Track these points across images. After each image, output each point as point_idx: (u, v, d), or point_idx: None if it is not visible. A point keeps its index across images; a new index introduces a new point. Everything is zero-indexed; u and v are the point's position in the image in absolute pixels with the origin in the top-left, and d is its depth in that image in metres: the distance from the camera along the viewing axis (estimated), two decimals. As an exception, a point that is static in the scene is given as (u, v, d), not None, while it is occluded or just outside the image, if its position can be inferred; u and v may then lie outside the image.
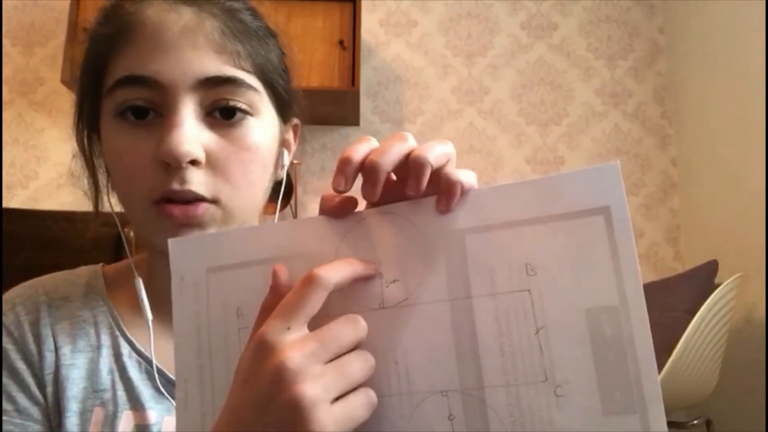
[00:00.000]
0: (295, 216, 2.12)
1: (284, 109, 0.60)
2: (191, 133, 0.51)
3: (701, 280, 1.69)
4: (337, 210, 0.40)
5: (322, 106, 2.13)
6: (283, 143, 0.62)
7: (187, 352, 0.41)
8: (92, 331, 0.58)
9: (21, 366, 0.55)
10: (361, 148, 0.39)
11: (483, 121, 2.39)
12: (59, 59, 2.20)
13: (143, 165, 0.51)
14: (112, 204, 0.60)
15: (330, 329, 0.36)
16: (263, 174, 0.57)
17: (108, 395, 0.55)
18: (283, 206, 0.60)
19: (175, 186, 0.51)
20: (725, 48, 2.05)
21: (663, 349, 1.47)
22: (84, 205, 0.63)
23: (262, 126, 0.56)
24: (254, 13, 0.58)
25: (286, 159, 0.63)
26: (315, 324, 0.36)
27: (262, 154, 0.55)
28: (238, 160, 0.53)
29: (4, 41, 2.32)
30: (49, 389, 0.55)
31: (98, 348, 0.57)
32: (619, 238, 0.36)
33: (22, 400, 0.54)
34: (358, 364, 0.36)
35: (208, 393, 0.40)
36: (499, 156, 2.37)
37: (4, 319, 0.57)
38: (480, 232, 0.38)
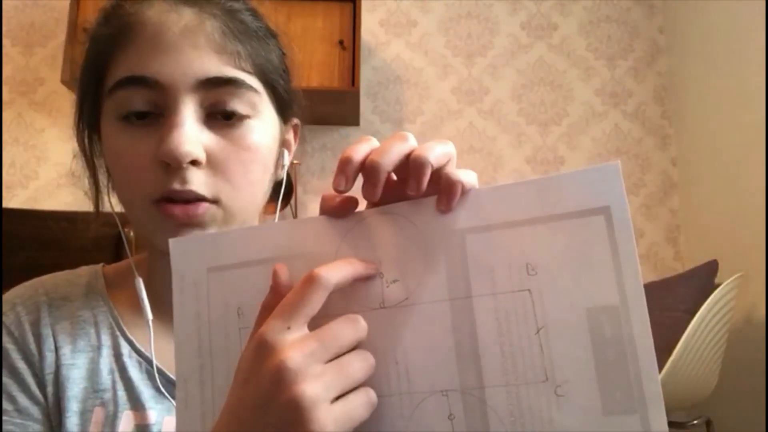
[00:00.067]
0: (295, 216, 2.12)
1: (284, 109, 0.61)
2: (192, 134, 0.51)
3: (701, 280, 1.69)
4: (338, 210, 0.41)
5: (322, 106, 2.13)
6: (284, 143, 0.62)
7: (188, 352, 0.41)
8: (92, 331, 0.58)
9: (21, 366, 0.55)
10: (362, 148, 0.39)
11: (483, 121, 2.39)
12: (59, 59, 2.20)
13: (144, 165, 0.51)
14: (113, 204, 0.60)
15: (330, 329, 0.36)
16: (263, 174, 0.57)
17: (108, 395, 0.55)
18: (283, 206, 0.60)
19: (176, 186, 0.51)
20: (725, 48, 2.05)
21: (663, 349, 1.47)
22: (84, 205, 0.63)
23: (263, 126, 0.56)
24: (254, 14, 0.58)
25: (287, 159, 0.63)
26: (315, 324, 0.36)
27: (262, 155, 0.55)
28: (239, 160, 0.53)
29: (4, 41, 2.32)
30: (50, 389, 0.55)
31: (98, 348, 0.57)
32: (619, 237, 0.36)
33: (23, 399, 0.54)
34: (358, 364, 0.36)
35: (209, 393, 0.40)
36: (499, 156, 2.37)
37: (4, 318, 0.57)
38: (480, 232, 0.38)
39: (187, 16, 0.53)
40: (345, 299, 0.39)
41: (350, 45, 2.11)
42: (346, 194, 0.40)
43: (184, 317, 0.42)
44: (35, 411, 0.55)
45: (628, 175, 2.33)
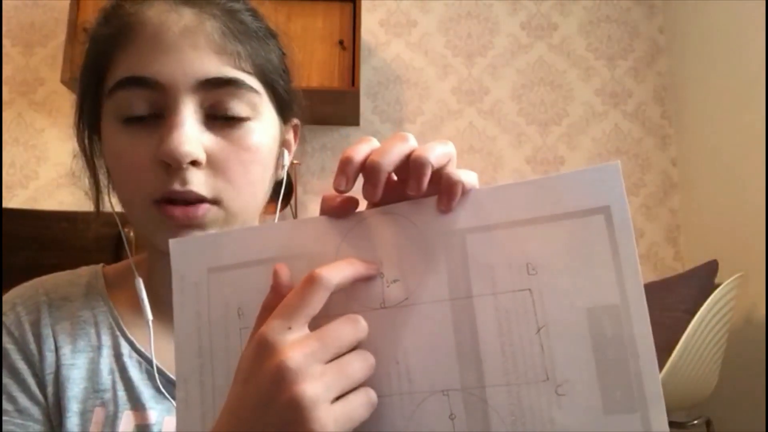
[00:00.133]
0: (295, 216, 2.12)
1: (284, 109, 0.60)
2: (192, 134, 0.51)
3: (701, 280, 1.69)
4: (338, 210, 0.41)
5: (322, 106, 2.13)
6: (284, 143, 0.62)
7: (188, 352, 0.41)
8: (93, 331, 0.58)
9: (21, 366, 0.55)
10: (362, 148, 0.39)
11: (483, 121, 2.39)
12: (59, 59, 2.20)
13: (144, 165, 0.51)
14: (113, 204, 0.60)
15: (331, 329, 0.36)
16: (264, 174, 0.57)
17: (108, 395, 0.55)
18: (283, 206, 0.60)
19: (176, 186, 0.51)
20: (725, 48, 2.05)
21: (663, 349, 1.47)
22: (84, 205, 0.63)
23: (263, 127, 0.56)
24: (254, 14, 0.58)
25: (287, 159, 0.63)
26: (316, 324, 0.36)
27: (262, 155, 0.55)
28: (239, 160, 0.53)
29: (4, 41, 2.32)
30: (50, 389, 0.55)
31: (99, 348, 0.57)
32: (619, 237, 0.36)
33: (23, 400, 0.54)
34: (359, 364, 0.36)
35: (209, 393, 0.40)
36: (499, 156, 2.37)
37: (4, 319, 0.57)
38: (481, 232, 0.38)
39: (187, 16, 0.53)
40: (345, 299, 0.39)
41: (350, 45, 2.11)
42: (347, 194, 0.40)
43: (185, 317, 0.42)
44: (35, 411, 0.55)
45: (628, 175, 2.33)
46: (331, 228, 0.41)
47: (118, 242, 0.63)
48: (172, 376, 0.57)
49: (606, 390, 0.34)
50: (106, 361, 0.57)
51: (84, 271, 0.63)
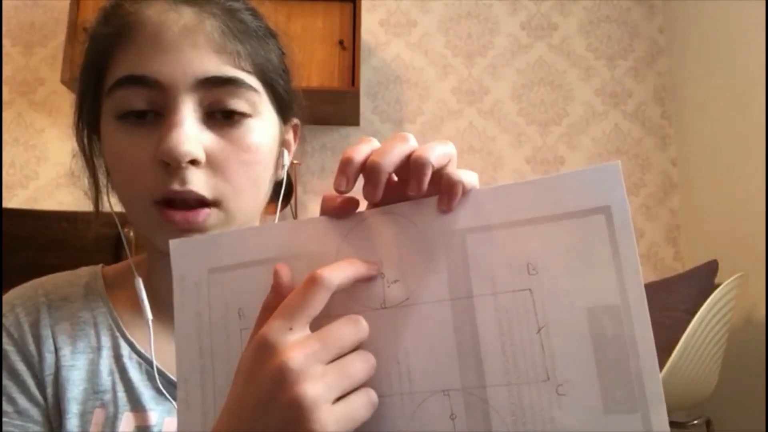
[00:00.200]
0: (295, 216, 2.12)
1: (284, 109, 0.60)
2: (191, 133, 0.50)
3: (701, 280, 1.69)
4: (339, 210, 0.41)
5: (322, 106, 2.13)
6: (283, 143, 0.62)
7: (189, 353, 0.41)
8: (92, 332, 0.58)
9: (21, 367, 0.55)
10: (363, 148, 0.39)
11: (483, 121, 2.39)
12: (59, 59, 2.20)
13: (143, 165, 0.51)
14: (112, 204, 0.60)
15: (332, 330, 0.36)
16: (264, 174, 0.56)
17: (108, 396, 0.55)
18: (283, 206, 0.60)
19: (176, 186, 0.50)
20: (725, 48, 2.05)
21: (663, 349, 1.47)
22: (84, 205, 0.63)
23: (262, 126, 0.56)
24: (254, 13, 0.58)
25: (287, 159, 0.63)
26: (316, 324, 0.36)
27: (262, 155, 0.55)
28: (239, 160, 0.53)
29: (4, 41, 2.32)
30: (50, 390, 0.55)
31: (98, 349, 0.57)
32: (620, 237, 0.36)
33: (22, 401, 0.54)
34: (360, 365, 0.36)
35: (210, 393, 0.40)
36: (499, 156, 2.37)
37: (3, 320, 0.57)
38: (481, 232, 0.38)
39: (187, 15, 0.53)
40: (346, 299, 0.39)
41: (350, 45, 2.11)
42: (347, 195, 0.40)
43: (185, 318, 0.42)
44: (35, 412, 0.54)
45: (628, 175, 2.33)
46: (332, 228, 0.41)
47: (117, 242, 0.63)
48: (173, 377, 0.56)
49: (606, 390, 0.34)
50: (106, 362, 0.56)
51: (83, 272, 0.63)
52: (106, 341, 0.58)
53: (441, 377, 0.37)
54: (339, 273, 0.37)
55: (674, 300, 1.64)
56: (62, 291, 0.60)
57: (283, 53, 0.61)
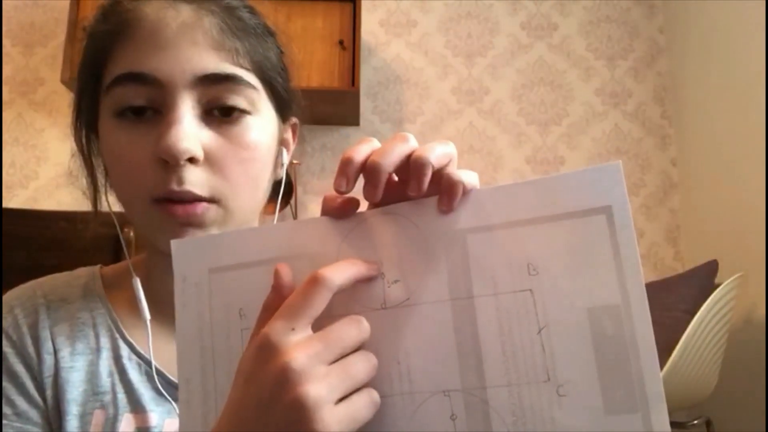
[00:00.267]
0: (295, 216, 2.12)
1: (283, 107, 0.60)
2: (190, 131, 0.50)
3: (701, 280, 1.69)
4: (339, 211, 0.40)
5: (322, 106, 2.13)
6: (282, 142, 0.61)
7: (190, 353, 0.41)
8: (91, 333, 0.58)
9: (20, 369, 0.55)
10: (363, 149, 0.39)
11: (483, 121, 2.39)
12: (59, 59, 2.20)
13: (142, 163, 0.51)
14: (110, 204, 0.60)
15: (334, 330, 0.36)
16: (262, 172, 0.56)
17: (108, 398, 0.55)
18: (283, 206, 0.60)
19: (174, 186, 0.50)
20: (725, 48, 2.05)
21: (663, 349, 1.47)
22: (84, 205, 0.63)
23: (261, 124, 0.55)
24: (252, 11, 0.58)
25: (285, 158, 0.62)
26: (317, 324, 0.36)
27: (261, 153, 0.55)
28: (237, 158, 0.53)
29: (4, 41, 2.32)
30: (49, 392, 0.55)
31: (97, 350, 0.57)
32: (621, 237, 0.36)
33: (22, 403, 0.54)
34: (362, 365, 0.36)
35: (211, 393, 0.40)
36: (499, 156, 2.37)
37: (2, 321, 0.57)
38: (481, 232, 0.38)
39: (185, 12, 0.53)
40: (346, 300, 0.39)
41: (350, 45, 2.11)
42: (348, 195, 0.40)
43: (186, 318, 0.42)
44: (34, 414, 0.54)
45: (628, 175, 2.33)
46: (333, 228, 0.41)
47: (117, 242, 0.63)
48: (172, 378, 0.56)
49: (607, 390, 0.34)
50: (106, 363, 0.56)
51: (82, 272, 0.63)
52: (105, 342, 0.57)
53: (441, 378, 0.37)
54: (340, 273, 0.37)
55: (674, 300, 1.64)
56: (61, 292, 0.60)
57: (281, 52, 0.61)
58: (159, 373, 0.56)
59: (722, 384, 1.67)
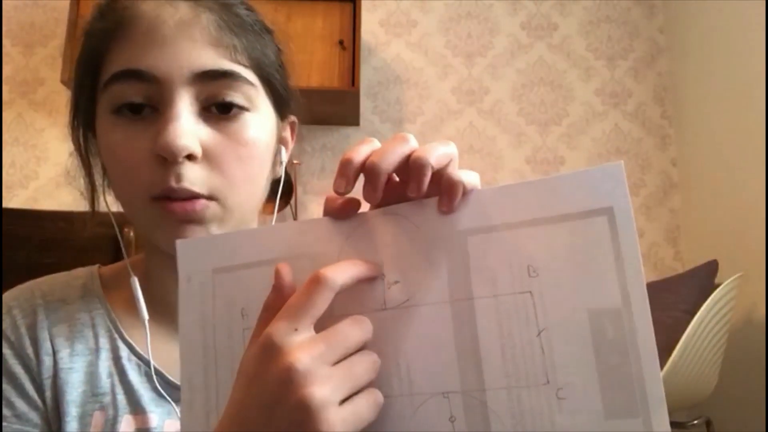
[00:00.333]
0: (295, 216, 2.12)
1: (281, 105, 0.60)
2: (188, 127, 0.50)
3: (701, 280, 1.69)
4: (340, 211, 0.40)
5: (322, 106, 2.12)
6: (281, 140, 0.61)
7: (193, 353, 0.41)
8: (90, 333, 0.57)
9: (19, 371, 0.55)
10: (362, 149, 0.39)
11: (483, 121, 2.39)
12: (59, 59, 2.20)
13: (140, 160, 0.51)
14: (108, 203, 0.59)
15: (337, 331, 0.36)
16: (261, 170, 0.56)
17: (108, 399, 0.55)
18: (283, 206, 0.60)
19: (172, 183, 0.50)
20: (725, 48, 2.05)
21: (663, 349, 1.47)
22: (84, 205, 0.62)
23: (259, 120, 0.55)
24: (249, 8, 0.58)
25: (284, 156, 0.62)
26: (318, 324, 0.36)
27: (259, 150, 0.55)
28: (236, 155, 0.53)
29: (4, 41, 2.32)
30: (48, 393, 0.54)
31: (96, 351, 0.56)
32: (622, 239, 0.35)
33: (21, 405, 0.54)
34: (365, 366, 0.36)
35: (213, 393, 0.40)
36: (499, 156, 2.37)
37: (1, 323, 0.56)
38: (482, 233, 0.38)
39: (183, 9, 0.52)
40: (347, 300, 0.38)
41: (350, 45, 2.11)
42: (349, 196, 0.40)
43: (190, 318, 0.42)
44: (34, 416, 0.54)
45: (628, 175, 2.30)
46: (334, 229, 0.41)
47: (117, 242, 0.62)
48: (172, 379, 0.56)
49: (607, 394, 0.34)
50: (105, 364, 0.56)
51: (80, 273, 0.62)
52: (104, 343, 0.57)
53: (440, 379, 0.37)
54: (342, 273, 0.37)
55: (674, 300, 1.64)
56: (59, 292, 0.59)
57: (279, 50, 0.61)
58: (158, 373, 0.56)
59: (722, 384, 1.67)
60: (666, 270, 2.25)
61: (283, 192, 0.60)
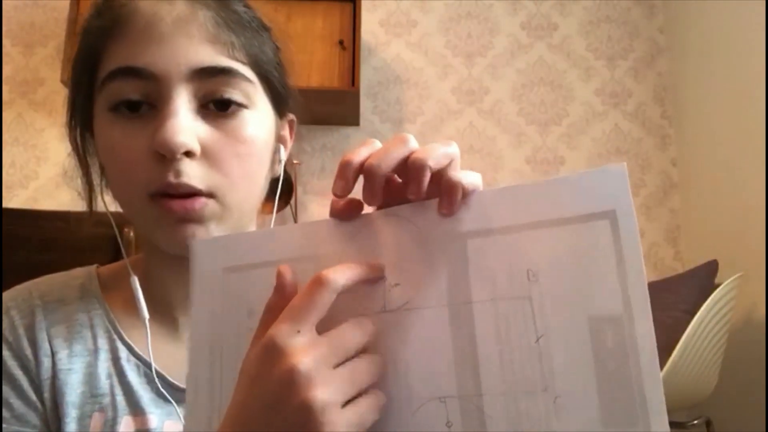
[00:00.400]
0: (294, 216, 2.12)
1: (279, 103, 0.60)
2: (186, 124, 0.50)
3: (701, 280, 1.69)
4: (343, 212, 0.41)
5: (322, 106, 2.12)
6: (279, 138, 0.61)
7: (201, 350, 0.42)
8: (89, 334, 0.57)
9: (17, 372, 0.54)
10: (361, 152, 0.39)
11: (483, 121, 2.39)
12: (59, 59, 2.20)
13: (138, 158, 0.50)
14: (107, 203, 0.59)
15: (339, 333, 0.36)
16: (259, 168, 0.56)
17: (107, 400, 0.54)
18: (283, 206, 0.60)
19: (171, 179, 0.49)
20: (725, 48, 2.05)
21: (663, 349, 1.47)
22: (83, 205, 0.62)
23: (258, 118, 0.55)
24: (247, 5, 0.57)
25: (283, 155, 0.62)
26: (320, 325, 0.36)
27: (257, 147, 0.55)
28: (234, 152, 0.52)
29: (4, 41, 2.32)
30: (47, 395, 0.54)
31: (95, 352, 0.56)
32: (625, 243, 0.35)
33: (20, 406, 0.54)
34: (368, 368, 0.37)
35: (217, 391, 0.40)
36: (499, 156, 2.37)
37: None
38: (482, 236, 0.38)
39: (180, 6, 0.52)
40: (348, 301, 0.38)
41: (350, 45, 2.11)
42: (352, 197, 0.40)
43: (200, 317, 0.42)
44: (33, 417, 0.54)
45: (628, 175, 2.32)
46: (339, 231, 0.41)
47: (117, 242, 0.62)
48: (171, 379, 0.56)
49: (606, 403, 0.33)
50: (104, 365, 0.56)
51: (78, 273, 0.62)
52: (103, 344, 0.57)
53: (438, 383, 0.37)
54: (343, 274, 0.37)
55: (674, 300, 1.63)
56: (57, 293, 0.59)
57: (277, 48, 0.60)
58: (158, 374, 0.56)
59: (722, 384, 1.67)
60: (666, 270, 2.24)
61: (282, 191, 0.60)
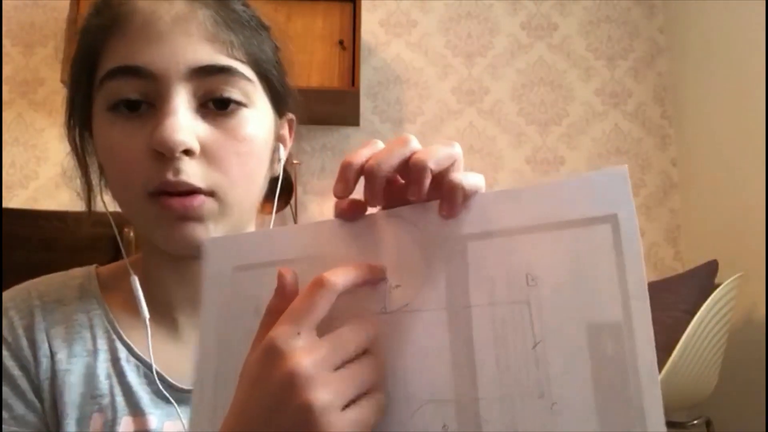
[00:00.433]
0: (294, 216, 2.12)
1: (279, 102, 0.60)
2: (185, 123, 0.50)
3: (701, 280, 1.69)
4: (346, 213, 0.41)
5: (322, 106, 2.12)
6: (279, 138, 0.61)
7: (209, 348, 0.42)
8: (88, 335, 0.57)
9: (16, 373, 0.54)
10: (362, 153, 0.39)
11: (483, 121, 2.39)
12: (59, 59, 2.20)
13: (137, 157, 0.50)
14: (106, 203, 0.59)
15: (339, 335, 0.36)
16: (259, 167, 0.56)
17: (106, 401, 0.54)
18: (283, 206, 0.60)
19: (170, 177, 0.49)
20: (725, 48, 2.05)
21: (663, 349, 1.47)
22: (82, 205, 0.62)
23: (257, 116, 0.55)
24: (246, 4, 0.57)
25: (282, 154, 0.62)
26: (321, 326, 0.36)
27: (257, 146, 0.54)
28: (233, 151, 0.52)
29: (4, 41, 2.32)
30: (46, 395, 0.54)
31: (95, 352, 0.56)
32: (626, 248, 0.34)
33: (19, 407, 0.54)
34: (368, 370, 0.37)
35: (222, 390, 0.40)
36: (499, 156, 2.37)
37: None
38: (482, 239, 0.37)
39: (179, 4, 0.52)
40: (349, 302, 0.38)
41: (350, 45, 2.11)
42: (354, 198, 0.40)
43: (210, 316, 0.42)
44: (32, 418, 0.54)
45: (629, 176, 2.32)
46: (343, 231, 0.41)
47: (116, 242, 0.62)
48: (171, 380, 0.56)
49: (603, 411, 0.33)
50: (103, 365, 0.56)
51: (77, 273, 0.62)
52: (102, 344, 0.57)
53: (435, 386, 0.36)
54: (343, 276, 0.37)
55: (674, 300, 1.63)
56: (56, 293, 0.59)
57: (276, 47, 0.60)
58: (158, 374, 0.56)
59: (722, 384, 1.67)
60: (666, 270, 2.24)
61: (282, 191, 0.60)
